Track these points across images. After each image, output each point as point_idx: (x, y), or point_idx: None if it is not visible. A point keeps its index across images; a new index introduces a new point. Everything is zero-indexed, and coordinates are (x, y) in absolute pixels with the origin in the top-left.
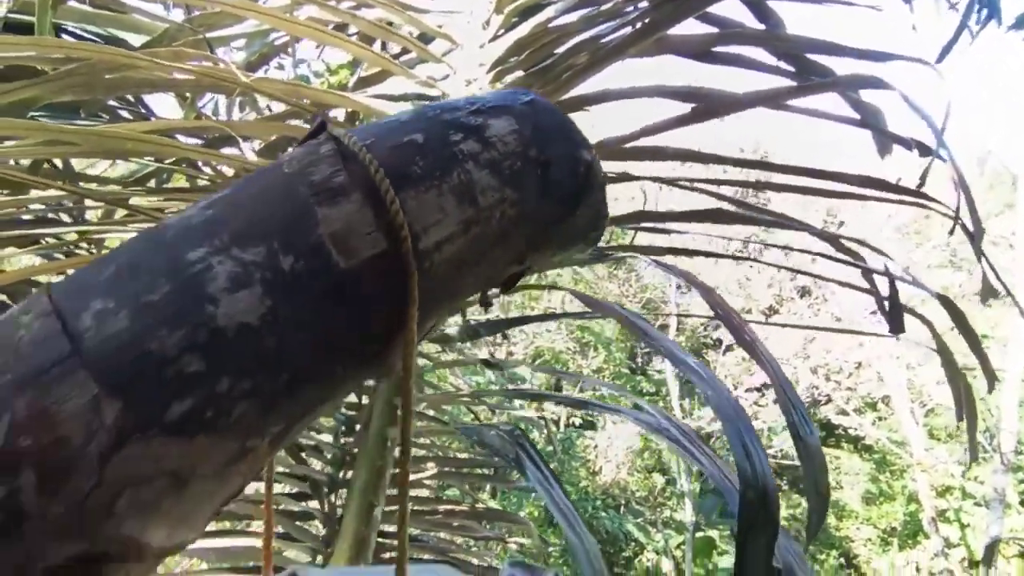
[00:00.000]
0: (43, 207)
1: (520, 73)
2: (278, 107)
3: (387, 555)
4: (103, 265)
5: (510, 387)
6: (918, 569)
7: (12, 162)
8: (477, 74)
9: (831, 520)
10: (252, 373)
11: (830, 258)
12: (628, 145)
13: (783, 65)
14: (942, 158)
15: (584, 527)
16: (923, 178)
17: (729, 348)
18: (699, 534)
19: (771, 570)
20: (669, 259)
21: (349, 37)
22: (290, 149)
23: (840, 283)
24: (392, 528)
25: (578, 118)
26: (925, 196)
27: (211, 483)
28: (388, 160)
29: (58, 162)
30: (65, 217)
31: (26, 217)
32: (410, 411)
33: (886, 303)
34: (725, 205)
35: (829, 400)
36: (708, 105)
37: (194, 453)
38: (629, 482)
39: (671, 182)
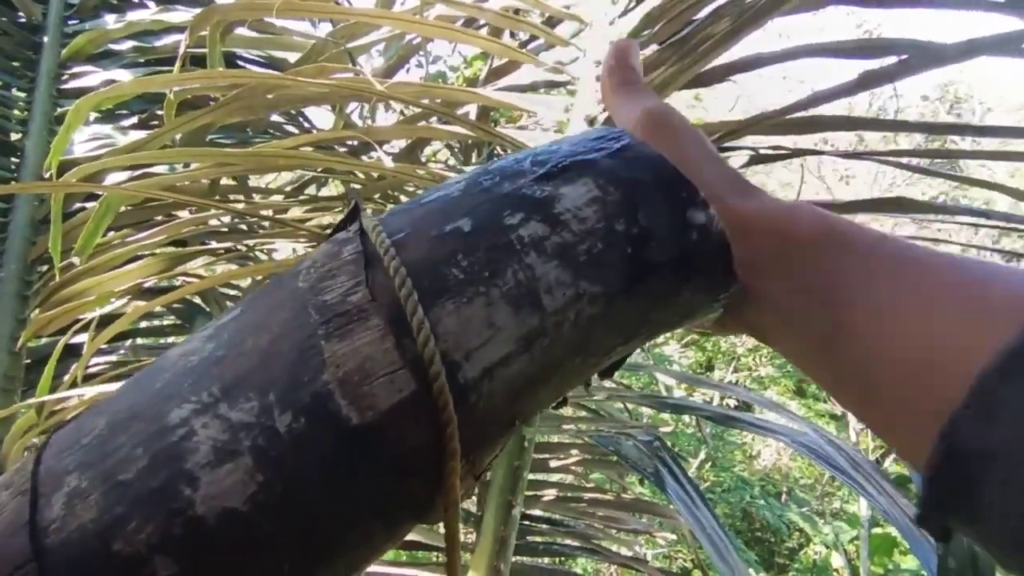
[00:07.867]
0: (220, 222)
1: (654, 47)
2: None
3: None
4: (96, 416)
5: (652, 389)
6: None
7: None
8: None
9: None
10: (243, 571)
11: None
12: (792, 116)
13: None
14: None
15: (734, 552)
16: None
17: None
18: (876, 530)
19: None
20: None
21: (478, 31)
22: (319, 247)
23: None
24: (533, 526)
25: (724, 89)
26: None
27: None
28: (424, 260)
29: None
30: (243, 226)
31: (210, 229)
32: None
33: None
34: (903, 192)
35: None
36: (908, 61)
37: None
38: (791, 468)
39: (844, 155)
